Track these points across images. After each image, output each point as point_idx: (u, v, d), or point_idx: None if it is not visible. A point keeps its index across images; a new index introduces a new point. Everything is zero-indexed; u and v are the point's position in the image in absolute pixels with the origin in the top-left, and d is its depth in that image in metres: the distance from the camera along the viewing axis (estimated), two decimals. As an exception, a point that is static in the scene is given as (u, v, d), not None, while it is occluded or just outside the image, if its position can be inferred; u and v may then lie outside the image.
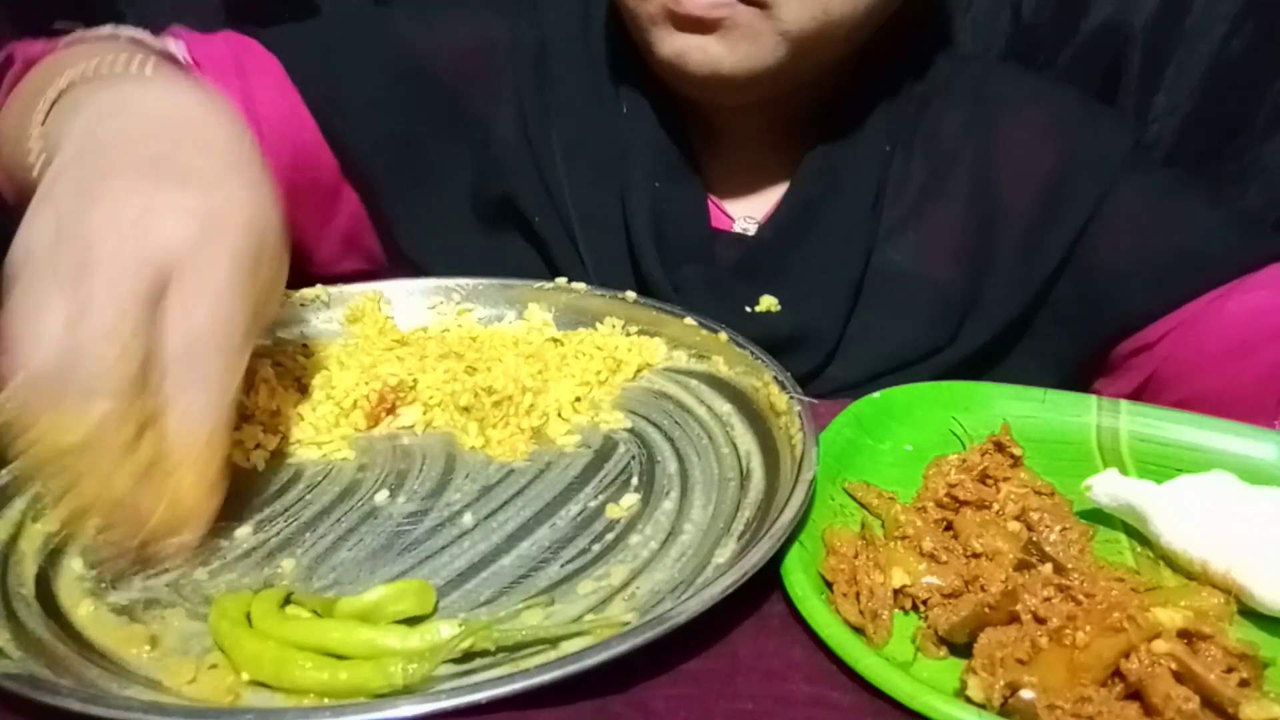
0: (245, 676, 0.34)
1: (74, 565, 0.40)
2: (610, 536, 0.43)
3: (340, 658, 0.35)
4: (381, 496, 0.46)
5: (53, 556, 0.41)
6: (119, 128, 0.40)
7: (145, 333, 0.35)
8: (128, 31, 0.60)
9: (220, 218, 0.37)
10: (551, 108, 0.68)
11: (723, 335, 0.56)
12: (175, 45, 0.62)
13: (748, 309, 0.65)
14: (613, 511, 0.45)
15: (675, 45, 0.60)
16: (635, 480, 0.47)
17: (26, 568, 0.40)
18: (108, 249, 0.35)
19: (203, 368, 0.36)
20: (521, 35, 0.70)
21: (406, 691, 0.33)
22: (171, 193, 0.37)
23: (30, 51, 0.60)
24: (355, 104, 0.67)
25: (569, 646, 0.35)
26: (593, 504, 0.45)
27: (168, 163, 0.38)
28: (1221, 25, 0.78)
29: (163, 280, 0.35)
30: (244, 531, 0.43)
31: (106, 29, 0.60)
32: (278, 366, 0.52)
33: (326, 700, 0.33)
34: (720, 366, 0.56)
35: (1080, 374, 0.70)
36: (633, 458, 0.49)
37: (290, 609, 0.38)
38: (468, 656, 0.35)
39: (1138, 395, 0.67)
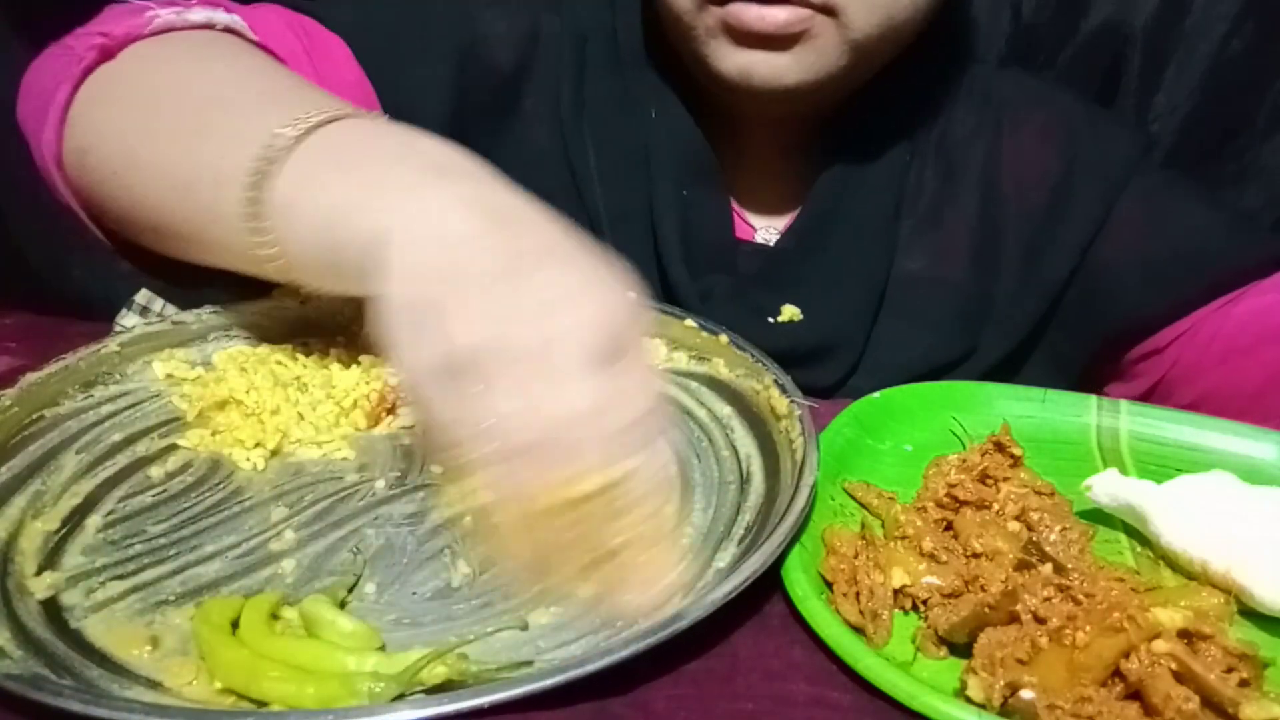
0: (218, 684, 0.34)
1: (74, 563, 0.40)
2: (610, 537, 0.43)
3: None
4: (382, 497, 0.46)
5: (53, 556, 0.41)
6: (460, 221, 0.38)
7: (614, 402, 0.36)
8: (222, 19, 0.56)
9: (617, 287, 0.38)
10: (584, 108, 0.67)
11: (723, 337, 0.56)
12: (238, 23, 0.57)
13: (770, 319, 0.65)
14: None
15: (739, 61, 0.59)
16: (635, 480, 0.47)
17: (27, 567, 0.40)
18: (563, 327, 0.36)
19: (651, 437, 0.37)
20: (564, 28, 0.68)
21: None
22: (594, 275, 0.38)
23: (109, 40, 0.53)
24: (418, 86, 0.64)
25: (547, 661, 0.35)
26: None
27: (560, 246, 0.39)
28: (1221, 25, 0.78)
29: (617, 349, 0.36)
30: (244, 532, 0.43)
31: (199, 13, 0.55)
32: (279, 365, 0.52)
33: None
34: (720, 369, 0.56)
35: (1089, 378, 0.70)
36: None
37: (286, 611, 0.38)
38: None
39: (1146, 399, 0.67)
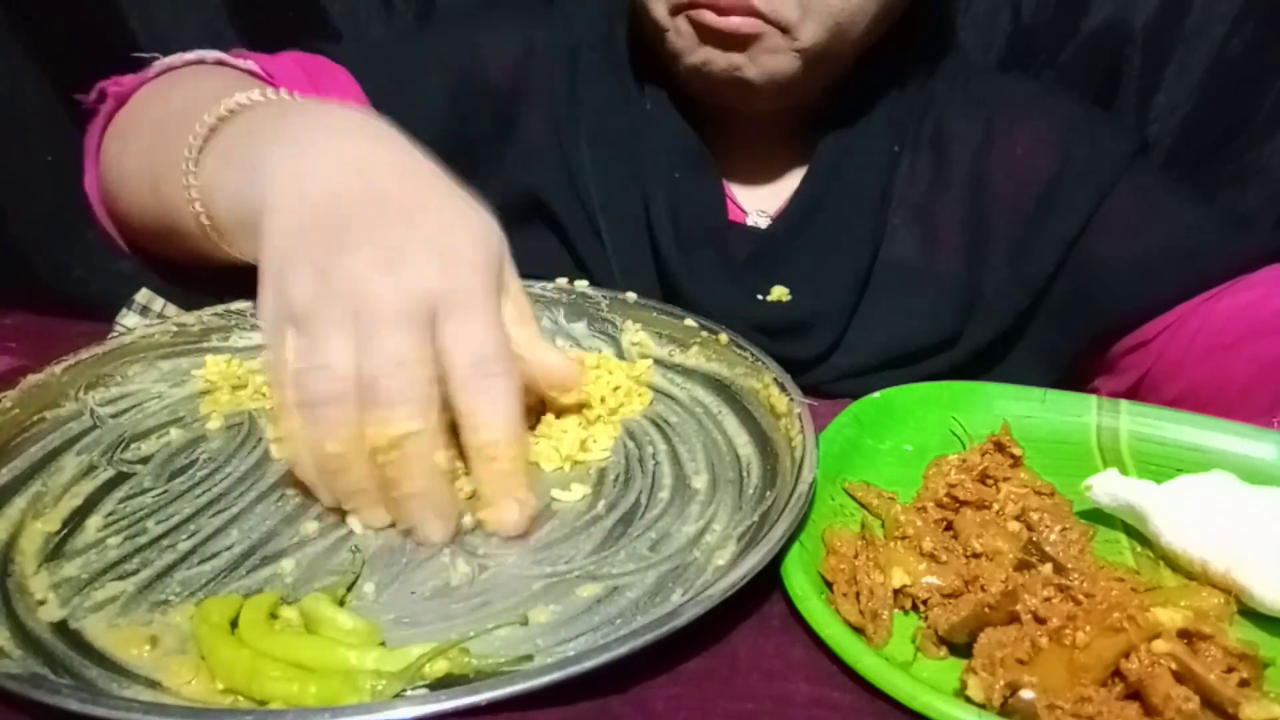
0: (219, 684, 0.34)
1: (74, 564, 0.40)
2: (610, 537, 0.43)
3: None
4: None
5: (53, 556, 0.41)
6: (324, 177, 0.42)
7: (429, 355, 0.39)
8: (211, 54, 0.62)
9: (457, 245, 0.41)
10: (579, 106, 0.71)
11: (723, 337, 0.56)
12: (248, 66, 0.64)
13: (759, 297, 0.67)
14: (612, 512, 0.45)
15: (700, 55, 0.64)
16: (635, 482, 0.47)
17: (27, 567, 0.40)
18: (376, 291, 0.39)
19: (494, 381, 0.40)
20: (556, 40, 0.73)
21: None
22: (414, 236, 0.41)
23: (121, 87, 0.62)
24: (419, 112, 0.68)
25: (546, 658, 0.35)
26: (592, 505, 0.45)
27: (395, 206, 0.42)
28: (1221, 25, 0.78)
29: (430, 309, 0.39)
30: (243, 532, 0.43)
31: (192, 54, 0.62)
32: None
33: None
34: (720, 368, 0.56)
35: (1077, 371, 0.71)
36: (634, 459, 0.49)
37: (285, 610, 0.38)
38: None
39: (1134, 392, 0.68)
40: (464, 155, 0.70)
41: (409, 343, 0.39)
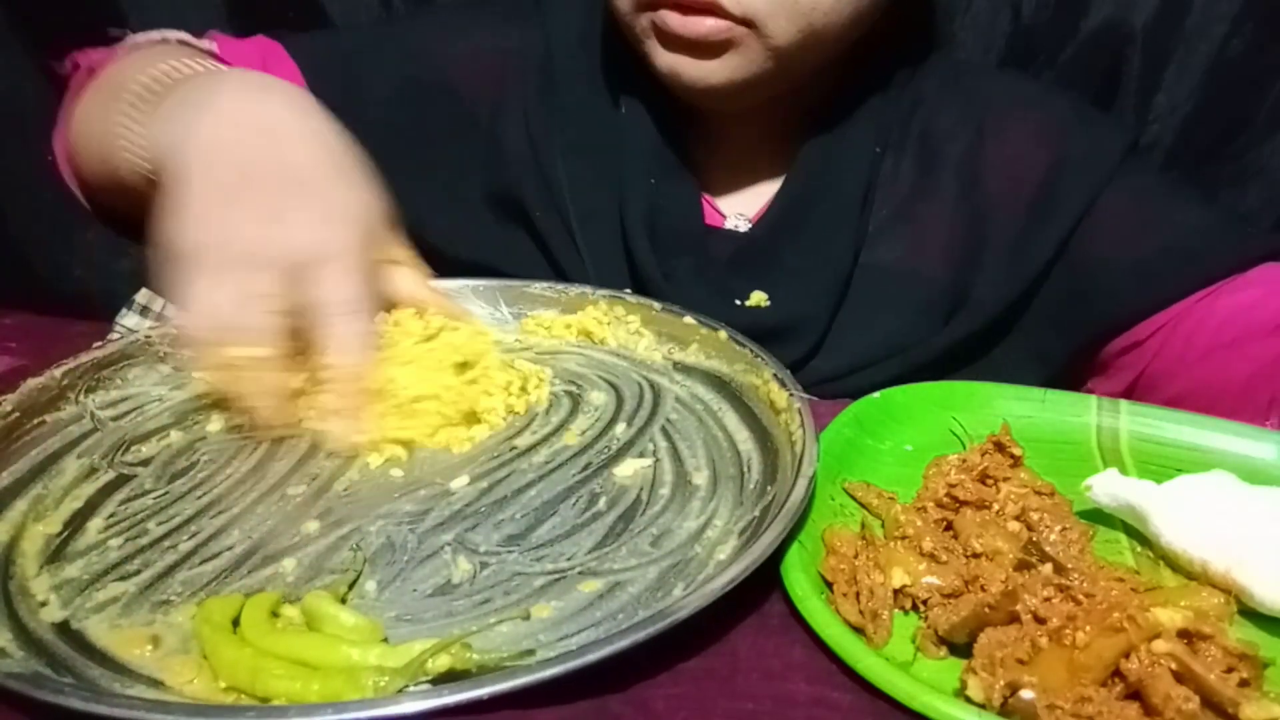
0: (222, 683, 0.34)
1: (76, 565, 0.40)
2: (611, 534, 0.43)
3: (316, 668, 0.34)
4: (382, 495, 0.46)
5: (54, 558, 0.41)
6: (233, 139, 0.49)
7: (290, 304, 0.46)
8: (175, 34, 0.66)
9: (338, 219, 0.49)
10: (554, 112, 0.70)
11: (722, 334, 0.56)
12: (209, 46, 0.67)
13: (738, 302, 0.67)
14: (613, 509, 0.45)
15: (668, 61, 0.63)
16: (636, 479, 0.47)
17: (29, 569, 0.40)
18: (258, 247, 0.46)
19: (347, 320, 0.47)
20: (530, 44, 0.72)
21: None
22: (297, 200, 0.48)
23: (92, 59, 0.66)
24: (370, 113, 0.69)
25: (547, 653, 0.35)
26: (593, 502, 0.45)
27: (289, 171, 0.49)
28: (1221, 25, 0.78)
29: (299, 261, 0.46)
30: (244, 532, 0.43)
31: (156, 33, 0.66)
32: None
33: None
34: (720, 364, 0.56)
35: (1071, 372, 0.70)
36: (636, 457, 0.49)
37: (286, 609, 0.38)
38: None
39: (1130, 393, 0.67)
40: (423, 150, 0.71)
41: (274, 296, 0.46)
